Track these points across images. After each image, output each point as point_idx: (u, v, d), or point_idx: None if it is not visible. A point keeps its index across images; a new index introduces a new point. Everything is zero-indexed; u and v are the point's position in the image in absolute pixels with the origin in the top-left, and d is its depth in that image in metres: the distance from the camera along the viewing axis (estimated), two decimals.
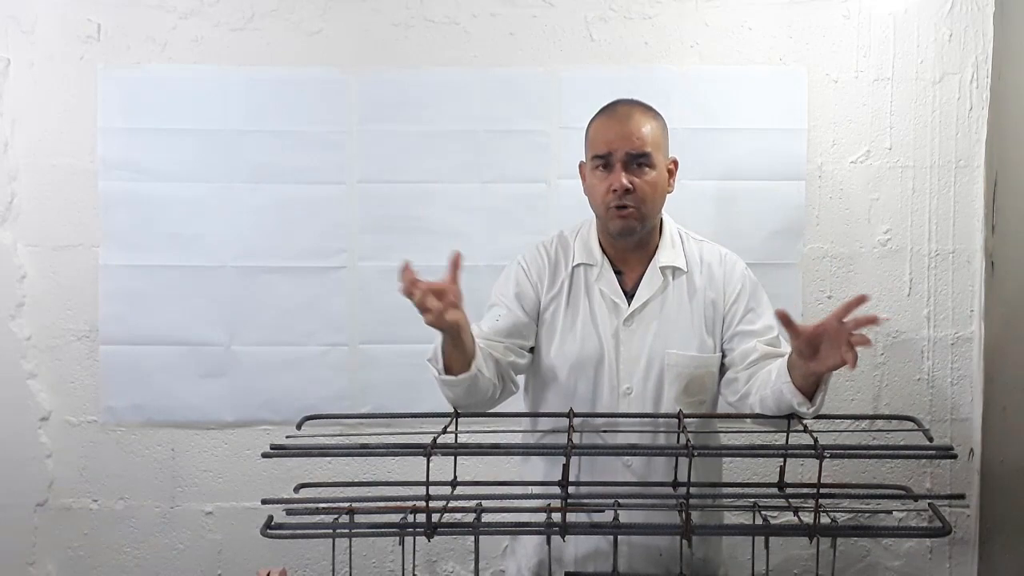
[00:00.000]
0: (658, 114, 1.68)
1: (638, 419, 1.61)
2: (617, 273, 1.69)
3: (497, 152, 2.26)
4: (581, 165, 1.73)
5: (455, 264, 1.43)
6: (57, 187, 2.27)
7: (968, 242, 2.26)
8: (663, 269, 1.68)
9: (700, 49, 2.25)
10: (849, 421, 2.23)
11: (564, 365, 1.66)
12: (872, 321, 1.34)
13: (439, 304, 1.38)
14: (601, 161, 1.63)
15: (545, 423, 1.67)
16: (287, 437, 1.29)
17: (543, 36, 2.27)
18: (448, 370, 1.52)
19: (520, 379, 1.72)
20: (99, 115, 2.26)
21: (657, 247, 1.69)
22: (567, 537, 1.17)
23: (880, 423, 2.22)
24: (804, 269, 2.27)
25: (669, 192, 1.69)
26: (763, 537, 1.22)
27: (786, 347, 1.54)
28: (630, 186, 1.59)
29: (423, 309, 1.39)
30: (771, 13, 2.25)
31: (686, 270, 1.68)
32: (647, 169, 1.62)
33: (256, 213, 2.27)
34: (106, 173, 2.26)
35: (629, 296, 1.67)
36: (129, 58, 2.26)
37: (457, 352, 1.50)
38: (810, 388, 1.46)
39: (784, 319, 1.41)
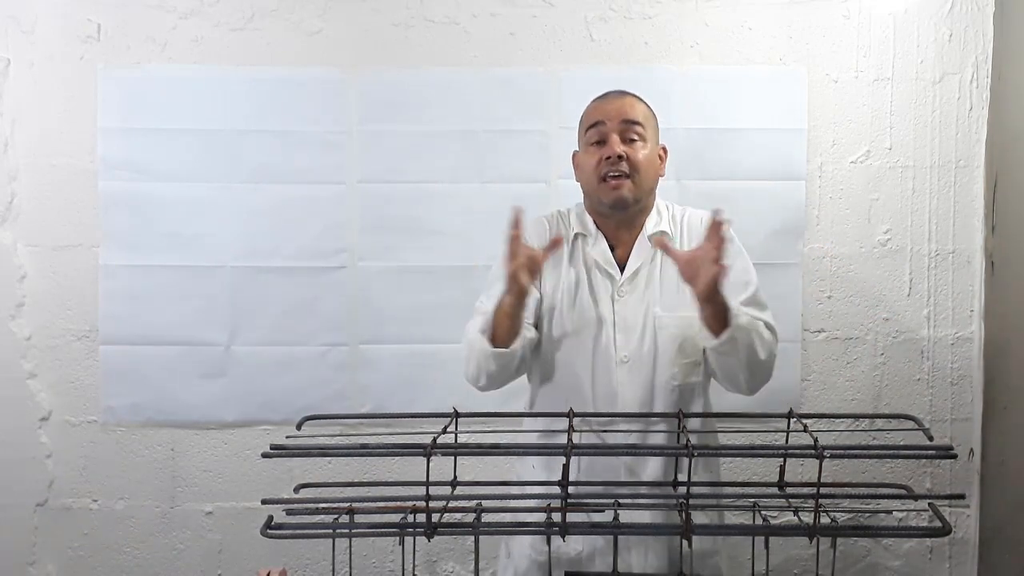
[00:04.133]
0: (648, 105, 1.72)
1: (637, 412, 1.62)
2: (610, 247, 1.71)
3: (497, 152, 2.26)
4: (575, 154, 1.75)
5: (516, 223, 1.51)
6: (57, 187, 2.28)
7: (968, 242, 2.26)
8: (651, 237, 1.69)
9: (700, 49, 2.26)
10: (849, 421, 2.24)
11: (564, 337, 1.67)
12: (719, 223, 1.41)
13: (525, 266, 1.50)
14: (595, 134, 1.66)
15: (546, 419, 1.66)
16: (287, 437, 1.29)
17: (543, 36, 2.27)
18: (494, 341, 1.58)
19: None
20: (99, 115, 2.26)
21: (646, 220, 1.72)
22: (563, 537, 1.17)
23: (880, 423, 2.23)
24: (804, 269, 2.27)
25: (661, 176, 1.72)
26: (763, 537, 1.22)
27: (759, 313, 1.61)
28: (623, 153, 1.62)
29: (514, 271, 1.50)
30: (771, 13, 2.25)
31: (672, 235, 1.70)
32: (640, 143, 1.65)
33: (256, 213, 2.27)
34: (106, 173, 2.26)
35: (621, 267, 1.69)
36: (129, 58, 2.26)
37: (511, 322, 1.56)
38: (719, 324, 1.52)
39: (661, 245, 1.53)
